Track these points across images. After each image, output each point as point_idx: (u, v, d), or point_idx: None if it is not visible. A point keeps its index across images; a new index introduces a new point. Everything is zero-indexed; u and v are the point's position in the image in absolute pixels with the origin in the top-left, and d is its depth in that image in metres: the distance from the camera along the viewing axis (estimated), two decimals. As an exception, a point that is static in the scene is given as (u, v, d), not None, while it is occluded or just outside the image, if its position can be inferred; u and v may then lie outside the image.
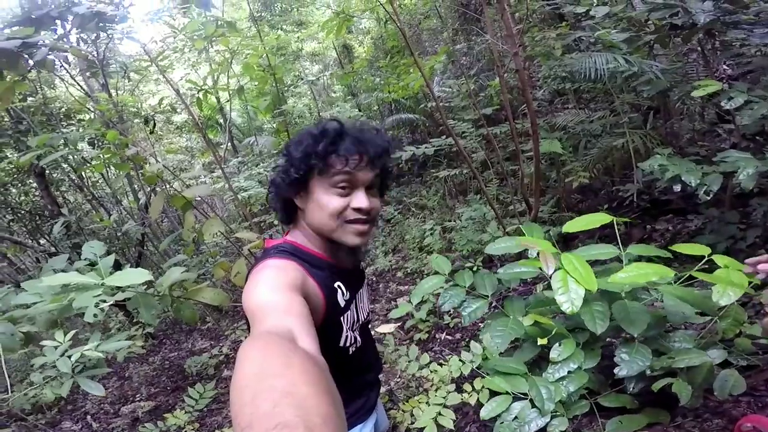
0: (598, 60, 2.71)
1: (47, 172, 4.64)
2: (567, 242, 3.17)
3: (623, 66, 2.60)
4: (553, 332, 1.58)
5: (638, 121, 3.22)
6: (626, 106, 3.26)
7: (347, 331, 0.92)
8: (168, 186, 2.54)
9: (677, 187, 2.02)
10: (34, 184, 4.97)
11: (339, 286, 0.91)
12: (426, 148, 3.29)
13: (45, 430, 2.91)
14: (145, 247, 5.38)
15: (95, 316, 1.36)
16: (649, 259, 1.55)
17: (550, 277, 1.36)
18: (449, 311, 2.93)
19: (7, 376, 1.44)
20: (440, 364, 1.95)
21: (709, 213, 2.69)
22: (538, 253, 1.42)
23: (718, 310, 1.46)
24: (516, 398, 1.53)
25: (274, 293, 0.71)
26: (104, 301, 1.42)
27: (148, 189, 4.58)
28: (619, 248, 1.51)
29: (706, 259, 1.33)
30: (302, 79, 7.91)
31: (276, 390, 0.39)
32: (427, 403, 1.78)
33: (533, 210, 2.85)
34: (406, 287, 3.82)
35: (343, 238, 0.87)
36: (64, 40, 2.57)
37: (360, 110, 6.75)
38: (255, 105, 6.39)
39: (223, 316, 4.50)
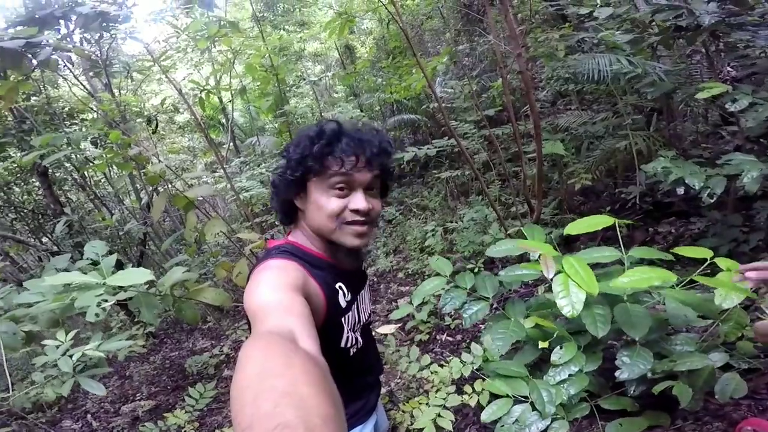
0: (602, 61, 2.70)
1: (50, 171, 4.66)
2: (569, 244, 3.16)
3: (626, 67, 2.59)
4: (555, 335, 1.57)
5: (641, 122, 3.21)
6: (629, 107, 3.25)
7: (348, 332, 0.92)
8: (170, 186, 2.54)
9: (680, 190, 2.01)
10: (37, 183, 4.99)
11: (340, 286, 0.91)
12: (428, 149, 3.29)
13: (45, 428, 2.91)
14: (147, 247, 5.40)
15: (97, 315, 1.36)
16: (651, 262, 1.55)
17: (551, 281, 1.35)
18: (450, 313, 2.93)
19: (8, 375, 1.45)
20: (441, 366, 1.95)
21: (712, 216, 2.67)
22: (539, 256, 1.42)
23: (720, 313, 1.46)
24: (516, 401, 1.53)
25: (276, 293, 0.70)
26: (106, 301, 1.42)
27: (151, 189, 4.59)
28: (621, 251, 1.50)
29: (708, 262, 1.33)
30: (304, 79, 7.93)
31: (277, 390, 0.39)
32: (427, 404, 1.78)
33: (535, 212, 2.84)
34: (407, 288, 3.82)
35: (342, 239, 0.87)
36: (68, 39, 2.58)
37: (362, 111, 6.74)
38: (257, 105, 6.41)
39: (224, 315, 4.51)
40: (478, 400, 1.71)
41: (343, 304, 0.90)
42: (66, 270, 1.76)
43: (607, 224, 1.44)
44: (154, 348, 4.30)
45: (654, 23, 2.70)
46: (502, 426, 1.50)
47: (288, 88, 7.19)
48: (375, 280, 4.24)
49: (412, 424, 1.78)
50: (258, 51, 4.63)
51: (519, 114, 4.07)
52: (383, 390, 2.24)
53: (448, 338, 2.87)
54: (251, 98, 6.57)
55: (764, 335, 0.97)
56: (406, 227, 4.94)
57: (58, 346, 1.61)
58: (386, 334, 2.37)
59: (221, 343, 3.75)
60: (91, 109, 4.90)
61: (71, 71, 4.64)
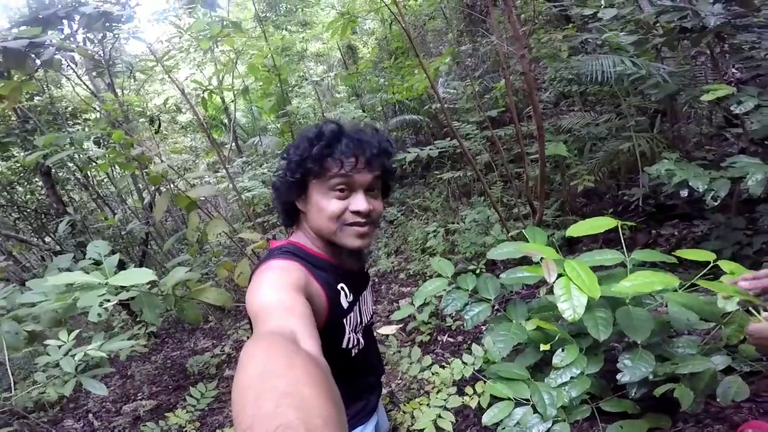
0: (605, 62, 2.69)
1: (53, 171, 4.67)
2: (571, 246, 3.15)
3: (630, 69, 2.58)
4: (556, 337, 1.57)
5: (645, 124, 3.19)
6: (633, 109, 3.24)
7: (350, 333, 0.92)
8: (172, 186, 2.55)
9: (684, 192, 2.00)
10: (40, 183, 5.01)
11: (342, 287, 0.91)
12: (430, 149, 3.29)
13: (47, 428, 2.92)
14: (149, 247, 5.41)
15: (99, 315, 1.36)
16: (654, 265, 1.54)
17: (553, 284, 1.35)
18: (451, 314, 2.92)
19: (10, 374, 1.45)
20: (442, 367, 1.95)
21: (715, 218, 2.66)
22: (541, 259, 1.41)
23: (723, 316, 1.45)
24: (518, 404, 1.53)
25: (278, 294, 0.70)
26: (108, 301, 1.42)
27: (153, 188, 4.60)
28: (624, 253, 1.50)
29: (711, 265, 1.32)
30: (307, 79, 7.93)
31: (278, 391, 0.39)
32: (427, 405, 1.78)
33: (538, 213, 2.83)
34: (409, 289, 3.82)
35: (343, 240, 0.87)
36: (71, 39, 2.59)
37: (364, 111, 6.75)
38: (259, 105, 6.43)
39: (226, 315, 4.51)
40: (479, 402, 1.71)
41: (344, 305, 0.90)
42: (68, 270, 1.77)
43: (609, 226, 1.44)
44: (155, 348, 4.30)
45: (658, 24, 2.68)
46: (504, 428, 1.49)
47: (290, 89, 7.20)
48: (376, 280, 4.24)
49: (412, 424, 1.78)
50: (260, 51, 4.64)
51: (522, 115, 4.06)
52: (384, 391, 2.24)
53: (450, 339, 2.87)
54: (253, 98, 6.59)
55: (758, 338, 0.96)
56: (407, 228, 4.94)
57: (60, 346, 1.62)
58: (387, 335, 2.37)
59: (223, 343, 3.76)
60: (94, 108, 4.92)
61: (74, 71, 4.66)
